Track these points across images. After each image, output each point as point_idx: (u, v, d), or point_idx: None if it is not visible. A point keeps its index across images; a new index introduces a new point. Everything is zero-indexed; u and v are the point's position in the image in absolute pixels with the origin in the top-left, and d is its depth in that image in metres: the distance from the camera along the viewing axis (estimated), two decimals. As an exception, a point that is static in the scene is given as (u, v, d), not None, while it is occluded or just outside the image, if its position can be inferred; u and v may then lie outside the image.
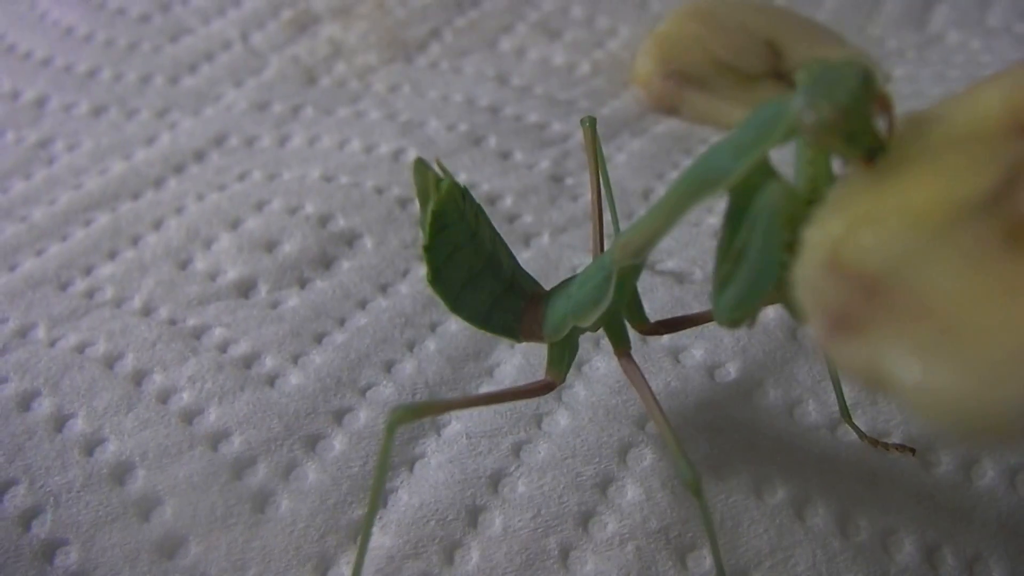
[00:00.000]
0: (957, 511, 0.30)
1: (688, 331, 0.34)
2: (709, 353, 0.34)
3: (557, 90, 0.47)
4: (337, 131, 0.44)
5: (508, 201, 0.41)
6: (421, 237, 0.28)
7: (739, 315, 0.24)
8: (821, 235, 0.20)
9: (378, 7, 0.50)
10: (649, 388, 0.28)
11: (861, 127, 0.20)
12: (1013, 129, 0.19)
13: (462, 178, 0.41)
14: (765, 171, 0.23)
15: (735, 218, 0.23)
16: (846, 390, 0.32)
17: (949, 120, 0.21)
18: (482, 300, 0.29)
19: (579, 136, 0.44)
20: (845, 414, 0.32)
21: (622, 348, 0.29)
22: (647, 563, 0.29)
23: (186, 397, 0.33)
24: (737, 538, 0.30)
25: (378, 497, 0.26)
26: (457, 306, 0.29)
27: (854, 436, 0.32)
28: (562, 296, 0.29)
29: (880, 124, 0.21)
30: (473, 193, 0.40)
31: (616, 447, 0.32)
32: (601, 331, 0.30)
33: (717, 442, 0.32)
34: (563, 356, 0.29)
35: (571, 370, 0.33)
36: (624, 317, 0.29)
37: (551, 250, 0.39)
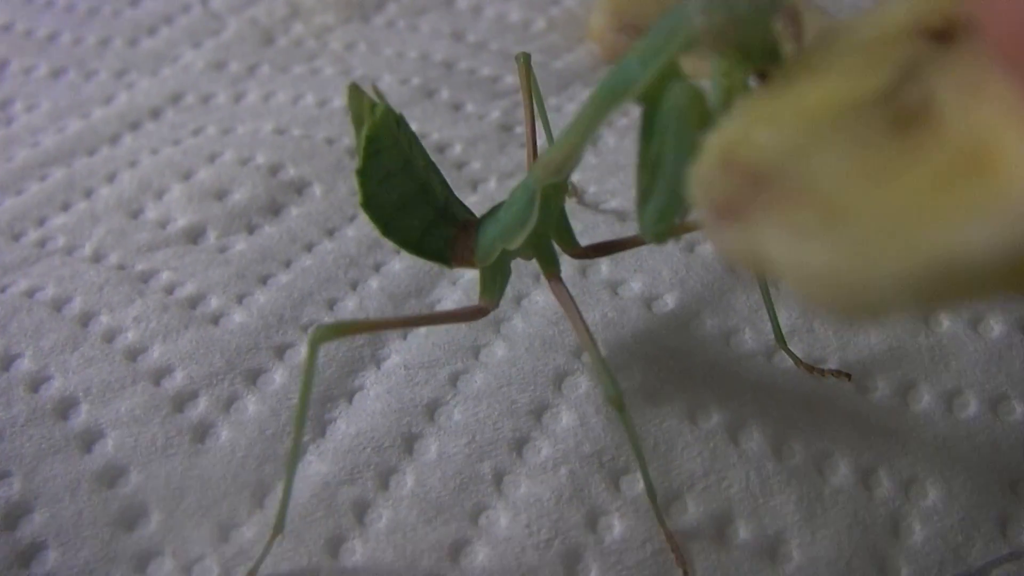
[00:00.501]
0: (893, 435, 0.31)
1: (627, 264, 0.35)
2: (647, 285, 0.35)
3: (512, 45, 0.47)
4: (292, 88, 0.45)
5: (457, 149, 0.41)
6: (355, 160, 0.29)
7: (663, 228, 0.24)
8: (718, 137, 0.20)
9: (337, -31, 0.51)
10: (576, 308, 0.28)
11: (759, 39, 0.21)
12: (912, 32, 0.20)
13: (413, 128, 0.42)
14: (678, 76, 0.23)
15: (649, 128, 0.24)
16: (782, 318, 0.32)
17: (856, 30, 0.21)
18: (414, 225, 0.29)
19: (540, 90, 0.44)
20: (780, 340, 0.32)
21: (551, 271, 0.29)
22: (580, 486, 0.29)
23: (131, 336, 0.34)
24: (670, 462, 0.30)
25: (303, 416, 0.26)
26: (389, 230, 0.29)
27: (790, 363, 0.32)
28: (491, 220, 0.29)
29: (787, 38, 0.21)
30: (423, 143, 0.40)
31: (551, 375, 0.32)
32: (538, 265, 0.30)
33: (652, 370, 0.32)
34: (495, 281, 0.30)
35: (510, 304, 0.33)
36: (552, 240, 0.29)
37: (497, 195, 0.39)
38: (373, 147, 0.28)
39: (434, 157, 0.40)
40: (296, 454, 0.27)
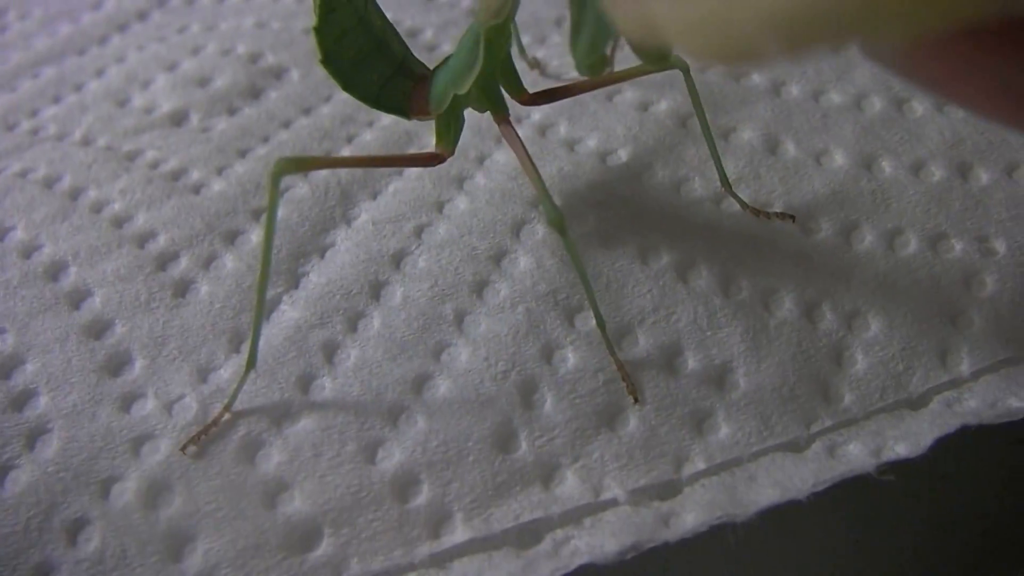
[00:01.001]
0: (836, 272, 0.32)
1: (583, 123, 0.36)
2: (602, 141, 0.36)
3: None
4: (272, -14, 0.46)
5: (429, 34, 0.43)
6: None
7: (595, 59, 0.26)
8: None
9: None
10: (523, 145, 0.30)
11: None
12: None
13: (387, 16, 0.43)
14: None
15: None
16: (730, 168, 0.34)
17: None
18: (373, 80, 0.31)
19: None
20: (726, 185, 0.33)
21: (500, 114, 0.31)
22: (536, 322, 0.31)
23: (117, 207, 0.36)
24: (621, 299, 0.31)
25: (269, 247, 0.28)
26: (348, 85, 0.31)
27: (737, 207, 0.34)
28: (443, 69, 0.31)
29: None
30: (397, 28, 0.42)
31: (510, 224, 0.34)
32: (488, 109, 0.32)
33: (605, 216, 0.33)
34: (449, 128, 0.31)
35: (473, 163, 0.35)
36: (500, 86, 0.31)
37: (466, 72, 0.40)
38: (328, 5, 0.30)
39: (407, 41, 0.42)
40: (263, 287, 0.29)
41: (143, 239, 0.35)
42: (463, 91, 0.30)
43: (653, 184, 0.35)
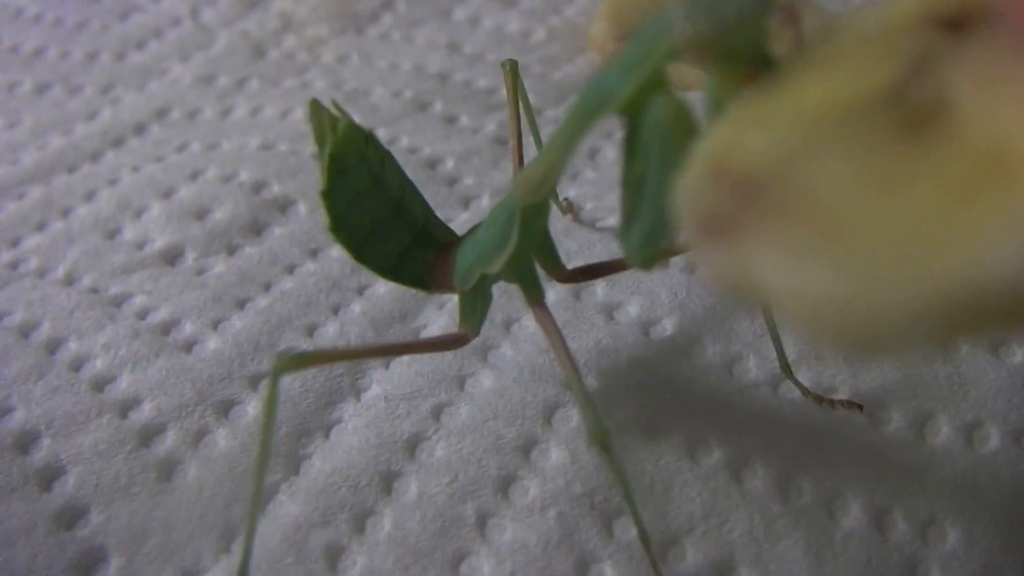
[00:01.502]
0: (909, 471, 0.28)
1: (623, 286, 0.33)
2: (645, 309, 0.32)
3: (510, 56, 0.45)
4: (281, 102, 0.43)
5: (450, 164, 0.39)
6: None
7: (649, 252, 0.22)
8: (708, 143, 0.18)
9: (332, -21, 0.49)
10: (562, 337, 0.26)
11: (749, 45, 0.18)
12: (923, 22, 0.17)
13: (403, 143, 0.40)
14: (661, 88, 0.21)
15: (632, 144, 0.21)
16: (789, 344, 0.30)
17: (861, 22, 0.19)
18: (390, 249, 0.27)
19: (530, 99, 0.42)
20: (786, 369, 0.30)
21: (534, 296, 0.27)
22: (569, 530, 0.27)
23: (99, 364, 0.32)
24: (668, 503, 0.28)
25: (265, 457, 0.24)
26: (363, 256, 0.27)
27: (797, 393, 0.30)
28: (470, 242, 0.27)
29: (785, 39, 0.19)
30: (413, 158, 0.38)
31: (541, 408, 0.30)
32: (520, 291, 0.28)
33: (649, 402, 0.30)
34: (475, 307, 0.28)
35: (499, 329, 0.31)
36: (536, 263, 0.27)
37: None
38: (338, 166, 0.26)
39: (425, 173, 0.38)
40: (257, 500, 0.25)
41: (126, 407, 0.31)
42: (493, 271, 0.26)
43: (702, 363, 0.31)
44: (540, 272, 0.28)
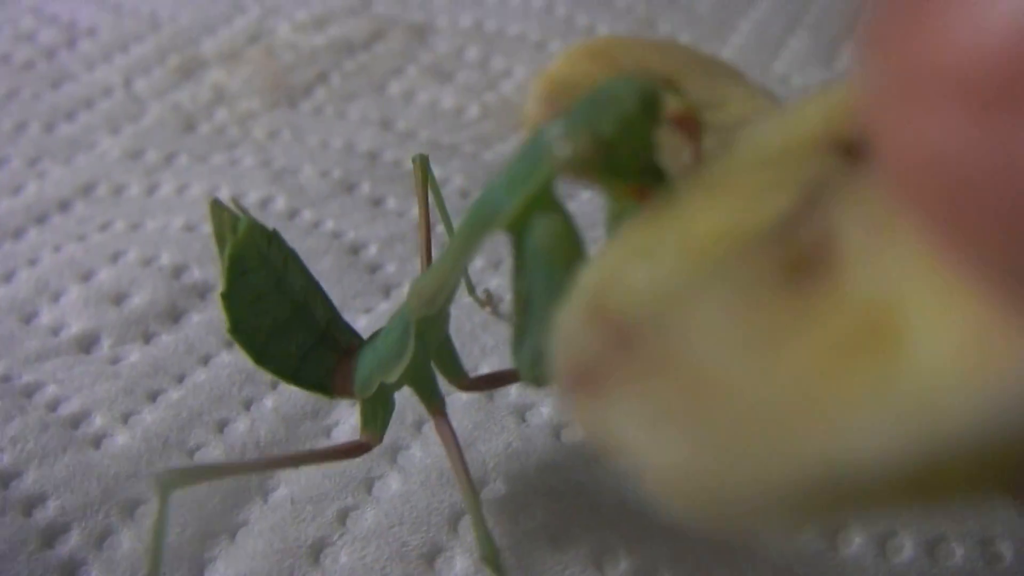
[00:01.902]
0: (816, 578, 0.28)
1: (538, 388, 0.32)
2: (557, 411, 0.32)
3: (442, 134, 0.45)
4: (208, 179, 0.42)
5: (373, 250, 0.39)
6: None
7: (540, 371, 0.22)
8: (591, 274, 0.17)
9: (267, 52, 0.49)
10: (460, 450, 0.26)
11: (633, 159, 0.18)
12: (824, 144, 0.16)
13: (328, 226, 0.40)
14: (548, 205, 0.20)
15: (519, 261, 0.21)
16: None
17: (763, 137, 0.18)
18: (291, 352, 0.27)
19: (457, 181, 0.42)
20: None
21: (434, 406, 0.27)
22: (472, 639, 0.27)
23: (6, 459, 0.31)
24: (572, 611, 0.27)
25: (156, 570, 0.24)
26: (263, 359, 0.27)
27: (706, 498, 0.30)
28: (370, 349, 0.27)
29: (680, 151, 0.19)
30: (337, 243, 0.38)
31: (447, 514, 0.29)
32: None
33: (557, 508, 0.29)
34: (377, 414, 0.27)
35: (410, 430, 0.31)
36: (436, 372, 0.27)
37: (411, 301, 0.37)
38: (238, 267, 0.26)
39: (348, 259, 0.38)
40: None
41: (30, 504, 0.30)
42: (391, 380, 0.26)
43: (613, 468, 0.31)
44: (442, 380, 0.27)
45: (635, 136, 0.18)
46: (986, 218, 0.10)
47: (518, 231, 0.21)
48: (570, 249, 0.19)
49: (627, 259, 0.16)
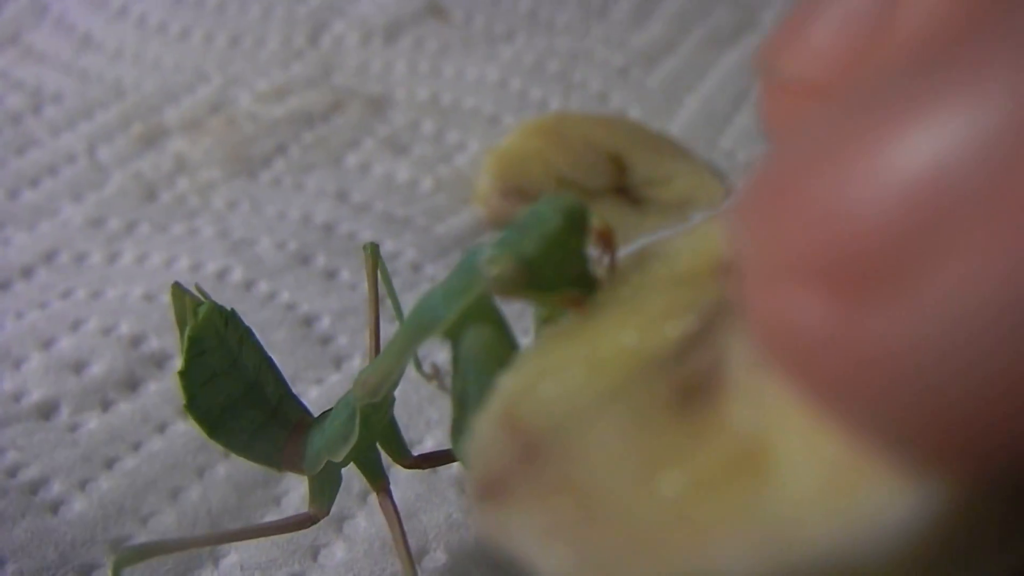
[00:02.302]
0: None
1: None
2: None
3: (396, 207, 0.47)
4: (167, 249, 0.44)
5: (325, 322, 0.40)
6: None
7: None
8: (507, 383, 0.18)
9: (228, 122, 0.51)
10: (401, 527, 0.27)
11: (558, 272, 0.19)
12: (725, 266, 0.17)
13: (283, 298, 0.41)
14: (482, 316, 0.22)
15: (456, 363, 0.23)
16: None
17: (676, 255, 0.19)
18: (242, 427, 0.29)
19: (410, 255, 0.44)
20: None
21: (378, 483, 0.29)
22: None
23: (-35, 526, 0.33)
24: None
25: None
26: (215, 432, 0.29)
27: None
28: (318, 430, 0.29)
29: (601, 261, 0.20)
30: (291, 314, 0.40)
31: (389, 582, 0.31)
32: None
33: (493, 576, 0.31)
34: (324, 489, 0.29)
35: (356, 500, 0.33)
36: (382, 452, 0.29)
37: (361, 372, 0.38)
38: (197, 348, 0.28)
39: (301, 332, 0.40)
40: None
41: (-12, 569, 0.31)
42: (337, 459, 0.28)
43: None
44: (386, 459, 0.29)
45: (561, 252, 0.19)
46: (835, 385, 0.12)
47: (455, 337, 0.22)
48: (499, 357, 0.21)
49: (540, 371, 0.17)
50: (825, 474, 0.12)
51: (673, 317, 0.17)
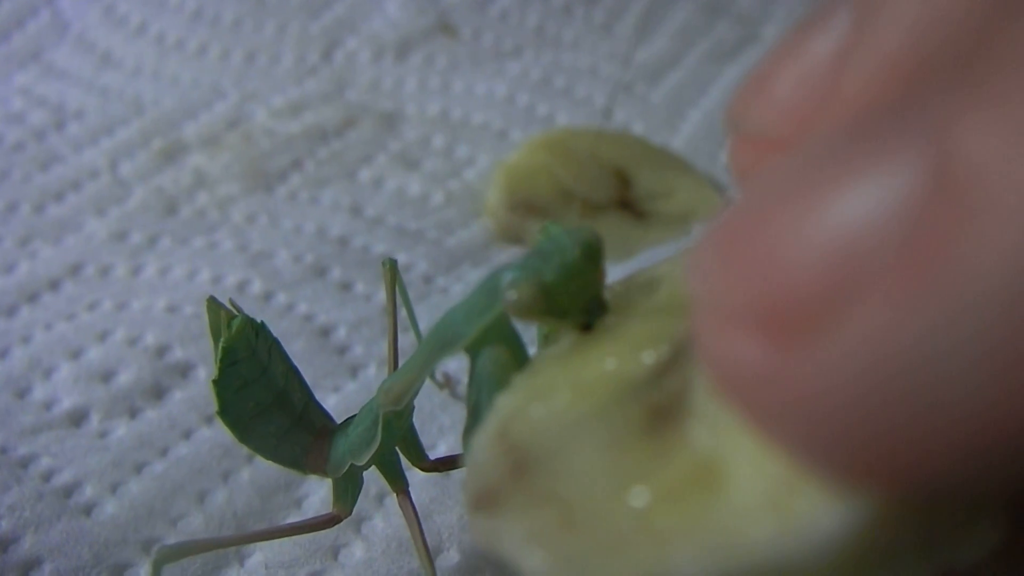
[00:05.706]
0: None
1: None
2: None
3: (409, 220, 0.48)
4: (189, 262, 0.46)
5: (342, 333, 0.42)
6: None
7: None
8: (504, 402, 0.19)
9: (245, 138, 0.52)
10: (420, 527, 0.29)
11: (573, 301, 0.20)
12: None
13: (300, 310, 0.43)
14: (499, 336, 0.24)
15: (472, 376, 0.25)
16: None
17: (658, 284, 0.21)
18: (270, 432, 0.30)
19: (421, 267, 0.45)
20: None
21: (398, 486, 0.30)
22: None
23: (4, 525, 0.34)
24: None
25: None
26: (245, 437, 0.30)
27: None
28: (342, 434, 0.30)
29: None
30: (309, 326, 0.41)
31: (406, 579, 0.33)
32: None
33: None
34: (347, 490, 0.31)
35: (373, 503, 0.34)
36: (401, 456, 0.30)
37: (376, 382, 0.40)
38: (230, 358, 0.29)
39: (318, 342, 0.41)
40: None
41: (27, 568, 0.33)
42: (360, 463, 0.29)
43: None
44: (405, 462, 0.31)
45: (577, 281, 0.21)
46: (772, 416, 0.13)
47: (473, 352, 0.24)
48: (511, 375, 0.23)
49: (531, 394, 0.19)
50: (767, 489, 0.14)
51: (650, 345, 0.19)
